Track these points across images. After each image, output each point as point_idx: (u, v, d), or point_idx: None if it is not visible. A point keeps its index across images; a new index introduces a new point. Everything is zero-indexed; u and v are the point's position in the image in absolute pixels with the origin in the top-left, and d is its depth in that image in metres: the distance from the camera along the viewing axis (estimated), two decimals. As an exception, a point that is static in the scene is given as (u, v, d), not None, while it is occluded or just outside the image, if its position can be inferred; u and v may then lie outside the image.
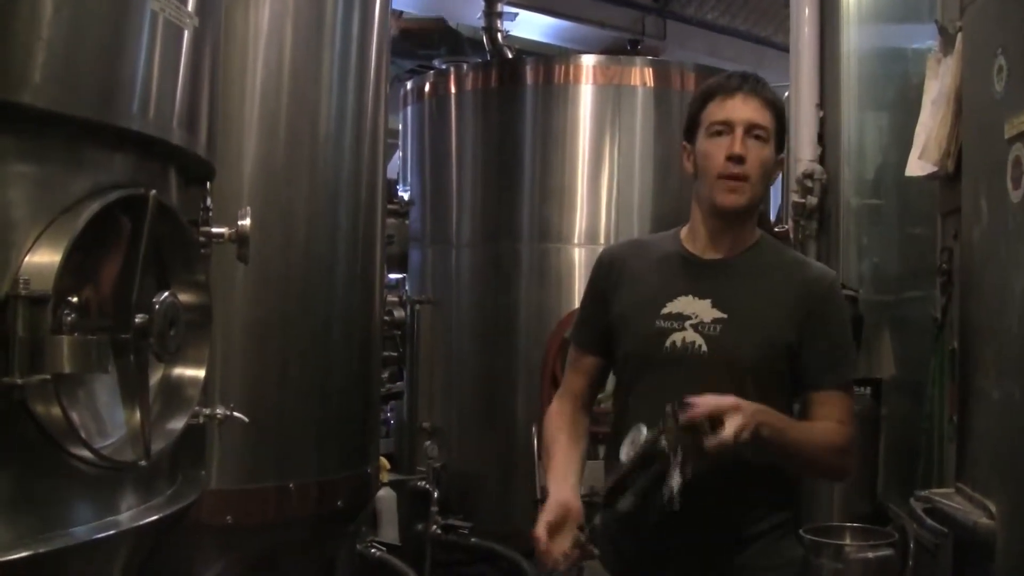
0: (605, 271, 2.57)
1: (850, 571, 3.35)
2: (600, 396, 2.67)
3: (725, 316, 2.36)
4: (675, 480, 2.09)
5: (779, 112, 2.44)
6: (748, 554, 2.37)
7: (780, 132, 2.44)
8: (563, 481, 2.39)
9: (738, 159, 2.35)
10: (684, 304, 2.39)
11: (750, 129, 2.37)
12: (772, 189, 6.19)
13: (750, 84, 2.42)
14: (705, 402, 2.12)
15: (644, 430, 2.18)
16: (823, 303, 2.40)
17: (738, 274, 2.43)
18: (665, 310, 2.40)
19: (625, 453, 2.20)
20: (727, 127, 2.37)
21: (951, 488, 2.55)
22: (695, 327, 2.36)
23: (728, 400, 2.15)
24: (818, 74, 5.03)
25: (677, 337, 2.37)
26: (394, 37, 5.34)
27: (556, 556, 2.23)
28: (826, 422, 2.37)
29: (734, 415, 2.12)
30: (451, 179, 5.65)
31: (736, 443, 2.12)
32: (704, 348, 2.35)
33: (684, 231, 2.54)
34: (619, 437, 2.42)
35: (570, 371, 2.63)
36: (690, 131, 2.48)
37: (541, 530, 2.26)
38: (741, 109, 2.38)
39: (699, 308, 2.38)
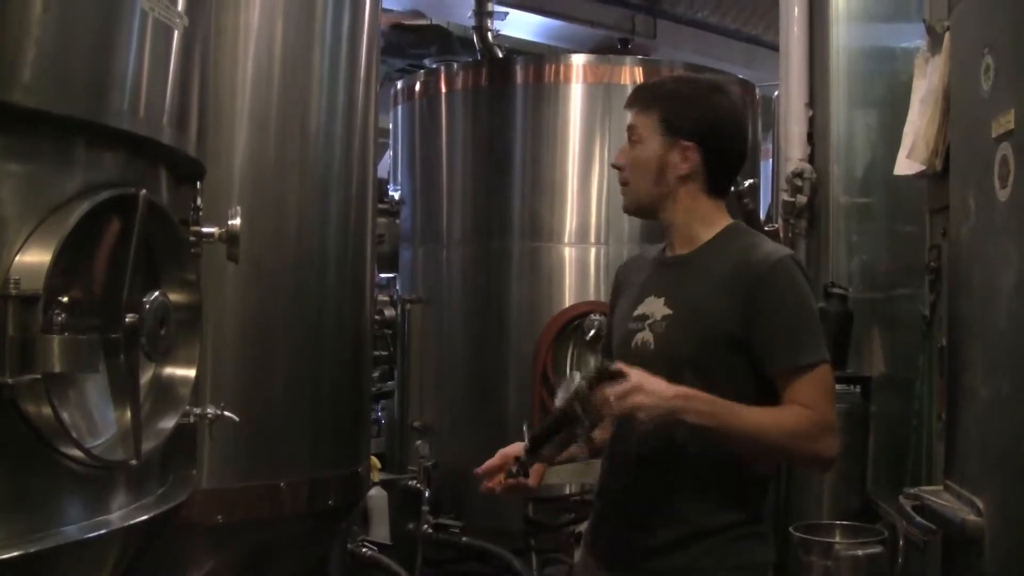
0: (614, 284, 2.67)
1: (840, 568, 3.36)
2: None
3: (671, 312, 2.37)
4: (580, 442, 2.21)
5: (664, 104, 2.43)
6: (693, 552, 2.30)
7: (673, 122, 2.40)
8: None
9: (617, 168, 2.48)
10: (647, 305, 2.42)
11: (628, 134, 2.47)
12: (762, 188, 6.22)
13: (631, 96, 2.51)
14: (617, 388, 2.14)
15: (577, 378, 2.20)
16: (762, 285, 2.30)
17: (692, 269, 2.42)
18: (636, 312, 2.44)
19: (560, 398, 2.22)
20: None
21: (940, 485, 2.56)
22: (650, 326, 2.39)
23: (631, 383, 2.14)
24: (807, 73, 5.05)
25: (639, 337, 2.40)
26: (384, 33, 5.33)
27: (491, 484, 2.47)
28: (789, 406, 2.26)
29: (635, 395, 2.12)
30: (441, 178, 5.65)
31: (637, 425, 2.15)
32: (652, 345, 2.37)
33: None
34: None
35: None
36: None
37: (480, 469, 2.51)
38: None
39: (656, 307, 2.40)
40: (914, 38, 3.44)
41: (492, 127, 5.51)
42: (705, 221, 2.44)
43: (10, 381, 1.62)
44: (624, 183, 2.47)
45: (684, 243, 2.45)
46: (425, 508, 5.16)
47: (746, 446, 2.27)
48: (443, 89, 5.68)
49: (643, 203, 2.47)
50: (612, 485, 2.46)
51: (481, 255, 5.49)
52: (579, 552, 2.67)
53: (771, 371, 2.30)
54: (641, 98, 2.47)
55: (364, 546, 4.21)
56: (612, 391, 2.13)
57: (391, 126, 6.13)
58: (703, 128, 2.40)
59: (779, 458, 2.59)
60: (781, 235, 4.89)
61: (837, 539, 3.55)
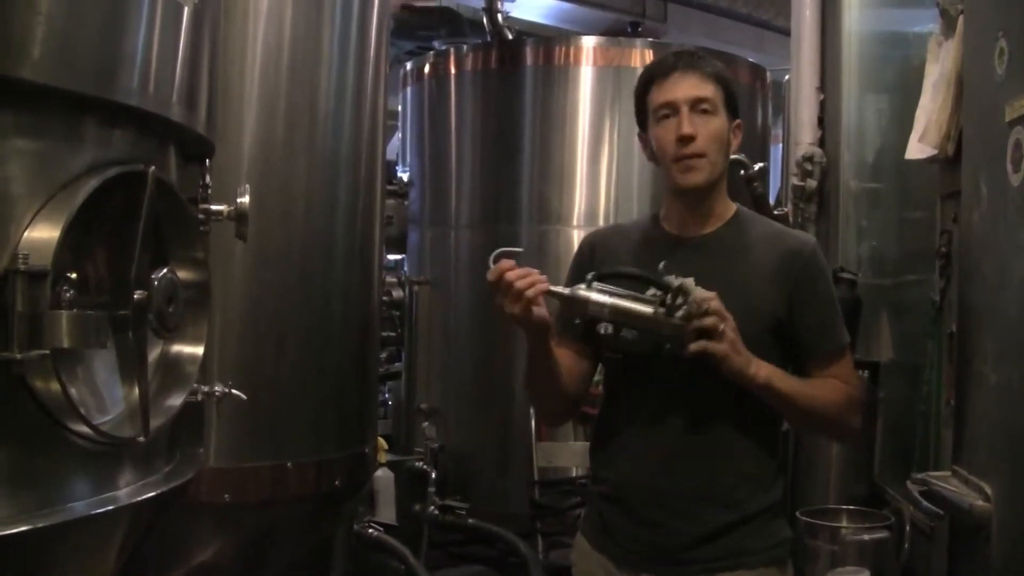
0: (587, 256, 2.58)
1: (846, 553, 3.36)
2: (595, 379, 2.65)
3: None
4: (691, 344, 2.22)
5: (723, 80, 2.42)
6: (738, 536, 2.36)
7: (730, 100, 2.42)
8: None
9: (687, 139, 2.36)
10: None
11: (695, 104, 2.36)
12: (772, 172, 6.20)
13: (684, 60, 2.40)
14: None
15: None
16: (808, 270, 2.41)
17: (719, 249, 2.44)
18: (651, 292, 2.38)
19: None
20: (671, 108, 2.37)
21: (948, 471, 2.56)
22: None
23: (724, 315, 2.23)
24: (819, 57, 5.02)
25: None
26: (393, 14, 5.32)
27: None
28: (832, 380, 2.41)
29: (726, 318, 2.22)
30: (450, 160, 5.64)
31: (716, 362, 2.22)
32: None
33: (662, 212, 2.55)
34: (606, 419, 2.45)
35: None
36: (641, 120, 2.49)
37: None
38: (680, 87, 2.37)
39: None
40: (927, 22, 3.42)
41: (501, 109, 5.50)
42: (724, 200, 2.49)
43: (18, 357, 1.61)
44: (701, 154, 2.37)
45: (700, 224, 2.46)
46: (431, 490, 5.18)
47: (801, 408, 2.37)
48: (452, 71, 5.67)
49: (715, 178, 2.42)
50: (645, 479, 2.41)
51: (489, 237, 5.48)
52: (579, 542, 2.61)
53: (814, 352, 2.42)
54: (703, 69, 2.40)
55: (370, 527, 4.22)
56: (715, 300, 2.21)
57: (400, 108, 6.13)
58: (738, 107, 2.46)
59: (822, 426, 2.67)
60: (791, 219, 4.88)
61: (844, 524, 3.55)
